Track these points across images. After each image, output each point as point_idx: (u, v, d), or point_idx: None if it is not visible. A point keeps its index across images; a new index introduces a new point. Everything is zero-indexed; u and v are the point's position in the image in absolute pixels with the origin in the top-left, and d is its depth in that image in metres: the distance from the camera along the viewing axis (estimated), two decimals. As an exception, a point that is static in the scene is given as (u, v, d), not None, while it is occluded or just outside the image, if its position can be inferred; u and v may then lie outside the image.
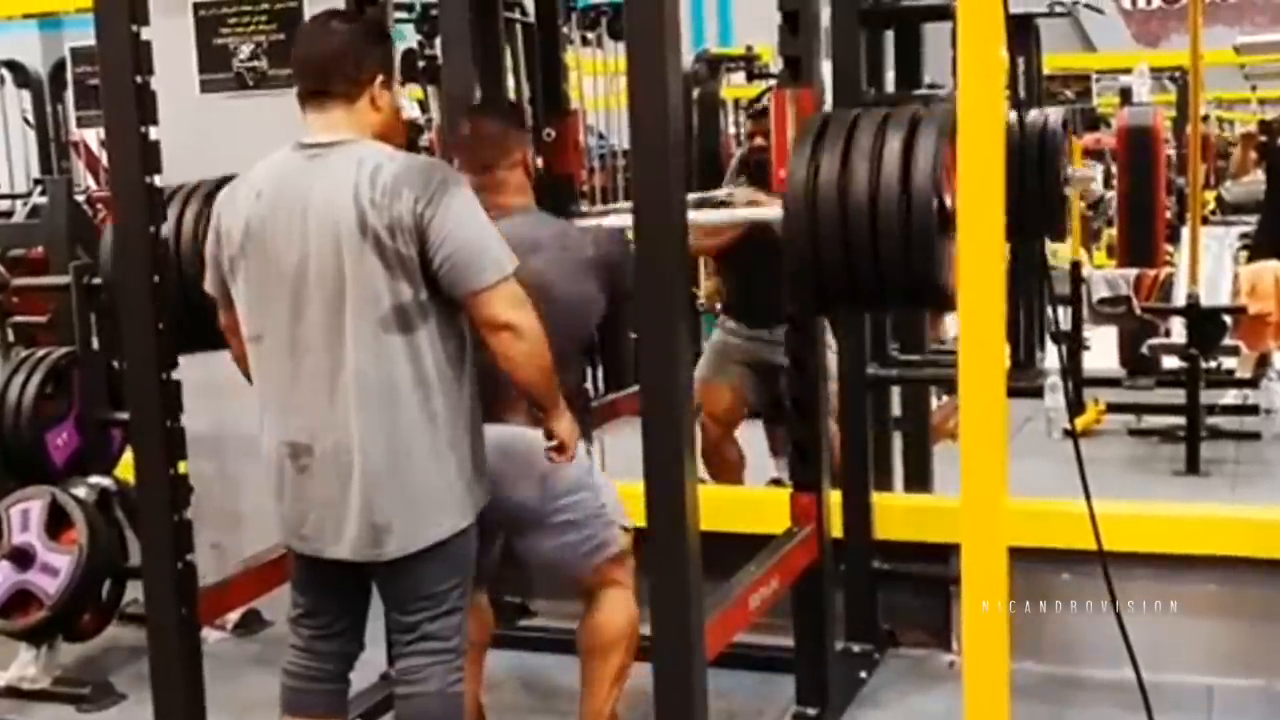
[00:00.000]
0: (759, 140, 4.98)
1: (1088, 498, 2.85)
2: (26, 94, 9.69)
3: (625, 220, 3.44)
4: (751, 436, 5.58)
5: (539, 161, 3.90)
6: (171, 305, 3.42)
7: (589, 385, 5.49)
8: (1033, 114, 4.66)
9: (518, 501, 3.33)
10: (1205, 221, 8.24)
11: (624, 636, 3.47)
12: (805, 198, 3.17)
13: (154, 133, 3.37)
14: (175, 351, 3.44)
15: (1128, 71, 9.86)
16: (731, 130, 11.00)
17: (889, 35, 4.52)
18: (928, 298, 3.25)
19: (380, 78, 3.00)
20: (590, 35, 6.93)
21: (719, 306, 5.57)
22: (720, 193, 4.99)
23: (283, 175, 2.94)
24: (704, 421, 5.42)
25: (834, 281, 3.22)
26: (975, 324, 2.29)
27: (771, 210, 3.46)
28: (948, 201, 3.06)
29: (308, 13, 4.42)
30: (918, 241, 3.08)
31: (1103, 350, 7.83)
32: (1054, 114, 4.64)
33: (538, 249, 3.29)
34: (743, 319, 5.29)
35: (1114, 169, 9.60)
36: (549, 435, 3.12)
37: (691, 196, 4.49)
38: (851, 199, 3.12)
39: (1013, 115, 4.52)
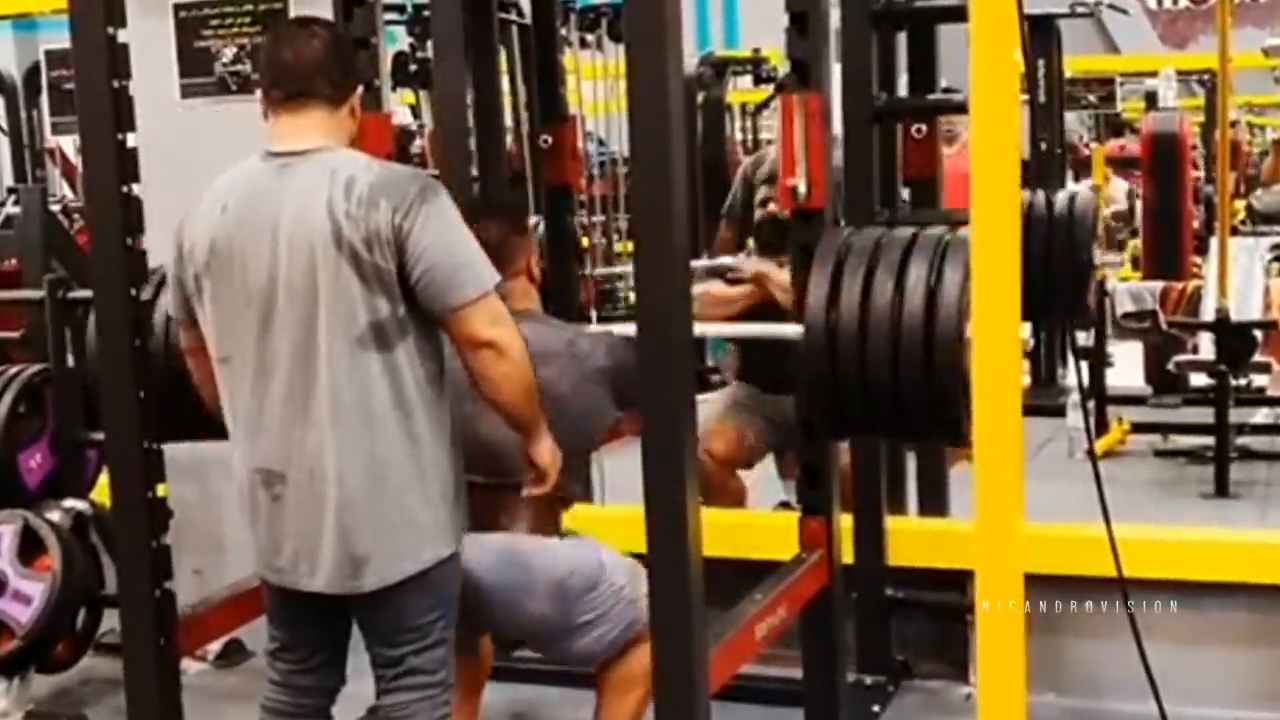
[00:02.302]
0: (772, 206, 5.05)
1: (1107, 522, 2.85)
2: (-1, 99, 9.73)
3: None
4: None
5: (541, 264, 3.83)
6: (157, 389, 3.45)
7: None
8: (1060, 195, 4.72)
9: (535, 615, 3.33)
10: (1235, 232, 8.25)
11: (646, 673, 3.44)
12: (824, 327, 3.26)
13: (132, 140, 3.38)
14: (161, 431, 3.49)
15: (1153, 74, 9.90)
16: (739, 136, 11.03)
17: (902, 37, 4.53)
18: (948, 437, 3.38)
19: (360, 87, 3.05)
20: (589, 37, 6.95)
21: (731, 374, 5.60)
22: (729, 260, 5.11)
23: (250, 188, 2.93)
24: (702, 459, 5.44)
25: (852, 412, 3.34)
26: (988, 338, 2.30)
27: (791, 328, 3.55)
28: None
29: (294, 14, 4.44)
30: (940, 383, 3.16)
31: (1127, 367, 7.83)
32: (1082, 194, 4.69)
33: (548, 359, 3.28)
34: (755, 384, 5.30)
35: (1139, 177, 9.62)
36: (529, 462, 3.10)
37: (698, 264, 4.64)
38: (872, 334, 3.22)
39: (1039, 195, 4.66)
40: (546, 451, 3.08)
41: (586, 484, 3.71)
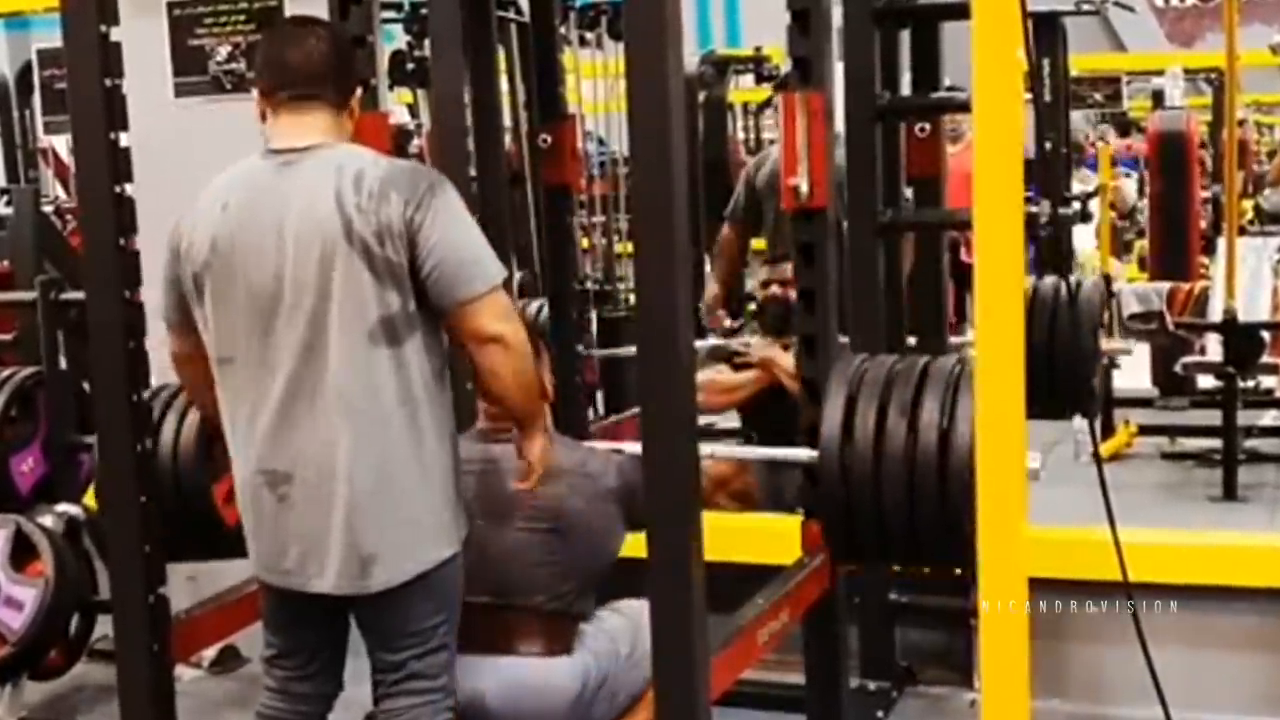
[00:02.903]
0: (774, 289, 5.07)
1: (1112, 525, 2.85)
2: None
3: None
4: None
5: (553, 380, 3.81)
6: (166, 512, 3.52)
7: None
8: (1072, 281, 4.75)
9: None
10: (1242, 232, 8.23)
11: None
12: (839, 459, 3.36)
13: (124, 139, 3.38)
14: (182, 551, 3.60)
15: (1160, 73, 9.88)
16: (740, 135, 11.02)
17: (905, 35, 4.52)
18: (962, 568, 3.42)
19: (360, 90, 3.07)
20: (589, 35, 6.94)
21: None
22: (735, 343, 5.18)
23: (251, 186, 2.94)
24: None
25: (865, 540, 3.46)
26: (992, 338, 2.30)
27: (804, 451, 3.62)
28: None
29: (289, 12, 4.44)
30: (955, 516, 3.21)
31: (1134, 369, 7.81)
32: (1088, 282, 4.69)
33: (559, 475, 3.28)
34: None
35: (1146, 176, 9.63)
36: (520, 455, 3.10)
37: (702, 345, 4.68)
38: (886, 469, 3.30)
39: (1047, 281, 4.68)
40: (538, 448, 3.08)
41: (592, 604, 3.62)
